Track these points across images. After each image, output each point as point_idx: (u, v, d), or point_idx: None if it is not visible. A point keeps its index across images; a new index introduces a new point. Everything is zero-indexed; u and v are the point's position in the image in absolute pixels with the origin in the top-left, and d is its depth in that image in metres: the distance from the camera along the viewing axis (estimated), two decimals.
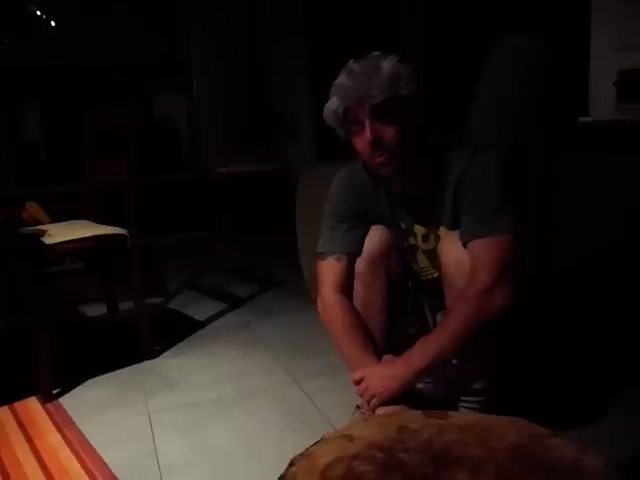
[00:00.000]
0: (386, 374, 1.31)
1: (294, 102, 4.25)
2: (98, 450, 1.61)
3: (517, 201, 1.35)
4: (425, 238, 1.45)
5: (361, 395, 1.34)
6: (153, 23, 4.76)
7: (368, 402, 1.32)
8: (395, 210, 1.46)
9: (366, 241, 1.42)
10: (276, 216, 4.17)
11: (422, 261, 1.50)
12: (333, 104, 1.33)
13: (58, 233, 2.08)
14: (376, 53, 1.33)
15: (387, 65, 1.29)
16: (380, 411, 1.31)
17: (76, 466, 1.53)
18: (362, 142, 1.32)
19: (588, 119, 2.06)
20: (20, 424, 1.79)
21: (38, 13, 4.47)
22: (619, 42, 2.11)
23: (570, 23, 2.43)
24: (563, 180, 1.95)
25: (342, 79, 1.32)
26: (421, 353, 1.29)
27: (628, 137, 1.81)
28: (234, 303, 2.89)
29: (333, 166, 2.43)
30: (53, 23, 4.53)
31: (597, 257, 1.84)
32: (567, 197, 1.94)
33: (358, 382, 1.35)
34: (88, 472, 1.50)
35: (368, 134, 1.28)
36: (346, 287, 1.44)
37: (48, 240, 2.02)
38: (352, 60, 1.34)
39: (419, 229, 1.45)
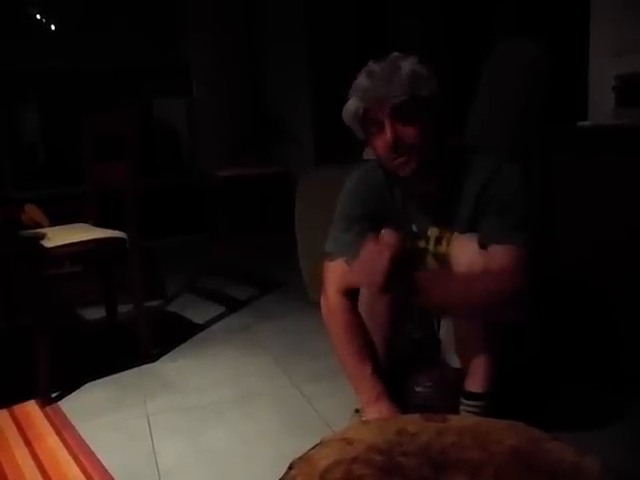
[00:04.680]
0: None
1: (294, 105, 4.26)
2: (97, 453, 1.61)
3: (537, 215, 1.34)
4: (438, 241, 1.43)
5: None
6: (153, 26, 4.77)
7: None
8: (409, 212, 1.45)
9: None
10: (275, 219, 4.18)
11: (430, 265, 1.48)
12: (352, 105, 1.31)
13: (57, 236, 2.08)
14: (395, 54, 1.32)
15: (407, 66, 1.28)
16: (369, 412, 1.31)
17: (75, 469, 1.53)
18: (381, 143, 1.30)
19: (587, 123, 2.06)
20: (19, 427, 1.79)
21: (38, 16, 4.48)
22: (618, 47, 2.12)
23: (569, 28, 2.43)
24: (562, 184, 1.95)
25: (362, 80, 1.30)
26: (431, 279, 1.28)
27: (627, 141, 1.81)
28: (233, 306, 2.89)
29: (332, 169, 2.45)
30: (53, 26, 4.53)
31: (597, 260, 1.84)
32: (566, 200, 1.95)
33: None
34: (87, 475, 1.50)
35: (388, 135, 1.27)
36: (352, 290, 1.43)
37: (47, 243, 2.02)
38: (372, 61, 1.32)
39: (433, 231, 1.44)
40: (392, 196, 1.46)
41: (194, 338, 2.48)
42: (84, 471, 1.52)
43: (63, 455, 1.61)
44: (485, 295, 1.25)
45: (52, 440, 1.70)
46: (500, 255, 1.27)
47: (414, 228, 1.46)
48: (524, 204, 1.30)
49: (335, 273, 1.44)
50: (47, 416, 1.85)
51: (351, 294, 1.43)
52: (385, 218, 1.45)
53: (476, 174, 1.34)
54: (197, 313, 2.79)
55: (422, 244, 1.47)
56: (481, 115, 1.97)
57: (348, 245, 1.43)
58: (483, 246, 1.31)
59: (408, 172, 1.33)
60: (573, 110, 2.25)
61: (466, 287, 1.27)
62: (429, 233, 1.45)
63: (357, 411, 1.51)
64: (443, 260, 1.43)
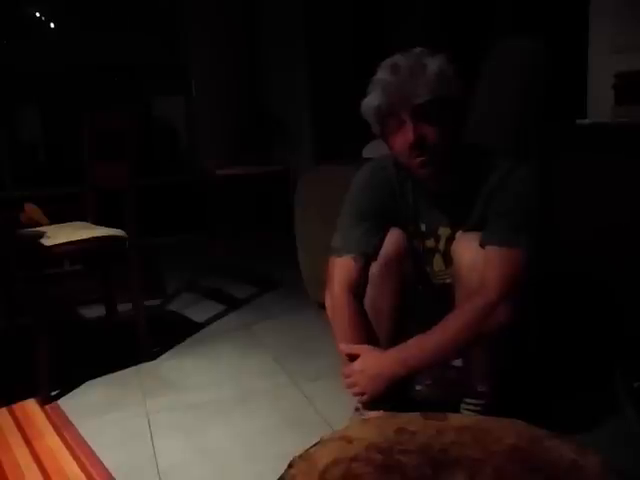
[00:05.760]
0: (373, 372, 1.30)
1: (293, 104, 4.26)
2: (97, 452, 1.61)
3: (542, 221, 1.33)
4: (449, 241, 1.42)
5: (348, 389, 1.36)
6: (152, 25, 4.77)
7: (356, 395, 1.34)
8: (420, 210, 1.44)
9: (383, 244, 1.41)
10: (275, 218, 4.18)
11: (437, 264, 1.47)
12: (374, 99, 1.28)
13: (57, 235, 2.08)
14: (422, 49, 1.29)
15: (434, 64, 1.25)
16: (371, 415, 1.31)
17: (75, 468, 1.53)
18: (401, 141, 1.28)
19: (586, 121, 2.06)
20: (19, 426, 1.79)
21: (37, 15, 4.48)
22: (618, 44, 2.12)
23: (569, 25, 2.43)
24: (561, 181, 1.95)
25: (385, 74, 1.27)
26: (413, 353, 1.29)
27: (626, 139, 1.81)
28: (233, 304, 2.88)
29: (332, 168, 2.45)
30: (52, 25, 4.53)
31: (596, 257, 1.84)
32: (565, 198, 1.95)
33: (347, 376, 1.36)
34: (86, 474, 1.50)
35: (410, 134, 1.24)
36: (358, 288, 1.42)
37: (47, 242, 2.02)
38: (398, 54, 1.29)
39: (444, 230, 1.42)
40: (403, 193, 1.44)
41: (194, 336, 2.48)
42: (84, 470, 1.52)
43: (63, 454, 1.61)
44: (466, 333, 1.26)
45: (52, 439, 1.70)
46: (495, 257, 1.27)
47: (423, 227, 1.45)
48: (530, 206, 1.29)
49: (342, 270, 1.42)
50: (47, 415, 1.85)
51: (357, 292, 1.42)
52: (394, 215, 1.44)
53: (490, 176, 1.33)
54: (197, 312, 2.79)
55: (430, 243, 1.46)
56: (481, 110, 1.97)
57: (357, 242, 1.42)
58: (482, 246, 1.30)
59: (427, 172, 1.31)
60: (572, 108, 2.26)
61: (440, 338, 1.28)
62: (440, 232, 1.43)
63: (357, 410, 1.51)
64: (451, 260, 1.42)
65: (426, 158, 1.28)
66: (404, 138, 1.27)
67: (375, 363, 1.31)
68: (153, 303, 2.92)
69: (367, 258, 1.41)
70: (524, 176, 1.32)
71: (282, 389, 1.94)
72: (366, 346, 1.36)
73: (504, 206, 1.30)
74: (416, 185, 1.43)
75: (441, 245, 1.44)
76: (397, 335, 1.43)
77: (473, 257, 1.30)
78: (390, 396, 1.31)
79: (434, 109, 1.25)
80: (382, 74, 1.29)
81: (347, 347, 1.38)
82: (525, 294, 1.28)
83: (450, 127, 1.29)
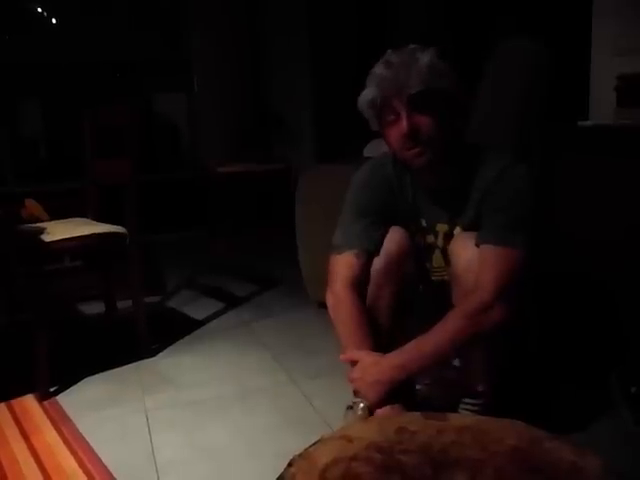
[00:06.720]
0: (372, 379, 1.29)
1: (295, 102, 4.25)
2: (95, 448, 1.61)
3: (540, 220, 1.33)
4: (447, 237, 1.42)
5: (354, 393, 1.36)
6: (154, 21, 4.76)
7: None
8: (419, 206, 1.44)
9: (385, 242, 1.41)
10: (276, 216, 4.17)
11: (437, 261, 1.48)
12: (369, 93, 1.31)
13: (57, 231, 2.08)
14: (413, 46, 1.31)
15: (425, 57, 1.28)
16: (379, 412, 1.31)
17: (73, 464, 1.53)
18: (396, 133, 1.29)
19: (588, 123, 2.06)
20: (17, 421, 1.79)
21: (39, 10, 4.47)
22: (620, 47, 2.12)
23: (572, 27, 2.43)
24: (562, 182, 1.95)
25: (380, 69, 1.30)
26: (411, 356, 1.29)
27: (628, 141, 1.81)
28: (233, 302, 2.88)
29: (333, 166, 2.45)
30: (54, 20, 4.52)
31: (596, 259, 1.84)
32: (566, 199, 1.95)
33: (351, 382, 1.35)
34: (84, 469, 1.50)
35: (404, 125, 1.26)
36: (360, 285, 1.41)
37: (47, 238, 2.01)
38: (390, 51, 1.32)
39: (442, 227, 1.43)
40: (402, 190, 1.45)
41: (193, 334, 2.48)
42: (82, 465, 1.52)
43: (61, 449, 1.61)
44: (462, 333, 1.26)
45: (50, 434, 1.70)
46: (490, 257, 1.27)
47: (423, 223, 1.46)
48: (527, 205, 1.30)
49: (343, 267, 1.42)
50: (45, 410, 1.85)
51: (359, 289, 1.42)
52: (395, 212, 1.45)
53: (487, 171, 1.33)
54: (196, 309, 2.79)
55: (431, 239, 1.46)
56: (484, 110, 1.97)
57: (357, 238, 1.42)
58: (478, 245, 1.31)
59: (422, 163, 1.32)
60: (574, 109, 2.25)
61: (437, 343, 1.28)
62: (438, 229, 1.44)
63: (350, 407, 1.50)
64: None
65: (420, 149, 1.29)
66: (399, 129, 1.28)
67: (373, 370, 1.30)
68: (153, 300, 2.92)
69: (369, 255, 1.41)
70: (522, 173, 1.32)
71: (281, 387, 1.94)
72: (364, 352, 1.35)
73: (500, 202, 1.30)
74: (415, 181, 1.43)
75: (439, 241, 1.45)
76: (397, 333, 1.43)
77: (469, 257, 1.31)
78: (393, 398, 1.30)
79: (427, 100, 1.26)
80: (376, 70, 1.32)
81: (345, 355, 1.37)
82: (521, 293, 1.28)
83: (445, 119, 1.30)
